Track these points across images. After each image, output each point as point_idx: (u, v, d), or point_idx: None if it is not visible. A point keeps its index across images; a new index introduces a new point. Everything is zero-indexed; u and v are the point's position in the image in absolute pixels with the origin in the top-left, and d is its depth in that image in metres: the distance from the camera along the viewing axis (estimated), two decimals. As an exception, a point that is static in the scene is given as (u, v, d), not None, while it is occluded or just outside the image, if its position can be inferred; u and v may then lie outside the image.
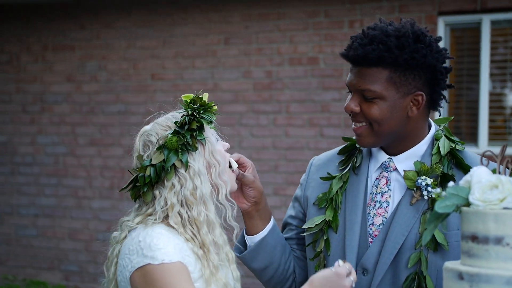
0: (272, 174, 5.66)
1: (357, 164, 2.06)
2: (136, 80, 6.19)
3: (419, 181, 1.92)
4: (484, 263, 1.40)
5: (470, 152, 2.03)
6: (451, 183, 1.49)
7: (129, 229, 1.85)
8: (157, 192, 1.85)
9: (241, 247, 2.11)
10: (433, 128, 2.04)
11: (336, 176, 2.07)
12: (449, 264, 1.46)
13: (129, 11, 6.23)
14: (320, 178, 2.11)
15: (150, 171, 1.83)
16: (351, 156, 2.10)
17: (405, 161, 1.99)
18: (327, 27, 5.67)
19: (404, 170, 1.98)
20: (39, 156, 6.47)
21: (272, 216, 2.13)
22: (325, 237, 2.03)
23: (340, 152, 2.14)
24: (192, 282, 1.78)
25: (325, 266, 2.03)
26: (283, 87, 5.74)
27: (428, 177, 1.92)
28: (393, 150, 2.02)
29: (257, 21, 5.85)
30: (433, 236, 1.89)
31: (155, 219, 1.82)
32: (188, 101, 1.95)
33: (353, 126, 1.99)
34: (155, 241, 1.78)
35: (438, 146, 1.97)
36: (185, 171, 1.84)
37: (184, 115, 1.91)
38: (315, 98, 5.65)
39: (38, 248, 6.43)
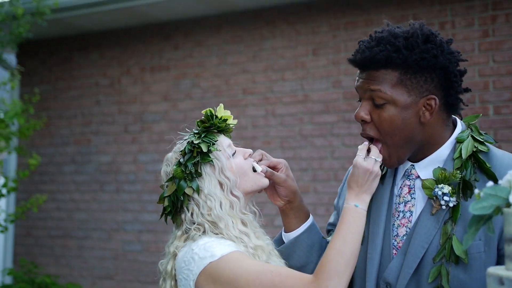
0: (366, 184, 5.56)
1: (383, 172, 1.99)
2: (228, 96, 6.30)
3: (436, 190, 1.82)
4: (526, 267, 1.31)
5: (501, 152, 1.88)
6: (489, 183, 1.40)
7: (176, 250, 1.92)
8: (183, 216, 1.94)
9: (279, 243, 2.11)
10: (459, 128, 1.93)
11: None
12: (491, 269, 1.38)
13: (219, 28, 6.38)
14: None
15: (167, 202, 1.94)
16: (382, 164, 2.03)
17: (427, 167, 1.90)
18: (416, 31, 5.52)
19: (421, 179, 1.88)
20: (141, 174, 6.72)
21: (310, 216, 2.11)
22: None
23: None
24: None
25: (352, 279, 1.97)
26: (374, 95, 5.64)
27: (448, 184, 1.81)
28: (415, 156, 1.93)
29: (345, 29, 5.80)
30: (451, 248, 1.78)
31: (198, 234, 1.89)
32: (197, 122, 2.06)
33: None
34: (208, 244, 1.84)
35: (461, 149, 1.85)
36: (198, 195, 1.91)
37: (187, 142, 1.98)
38: (407, 104, 5.50)
39: (142, 262, 6.66)
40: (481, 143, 1.87)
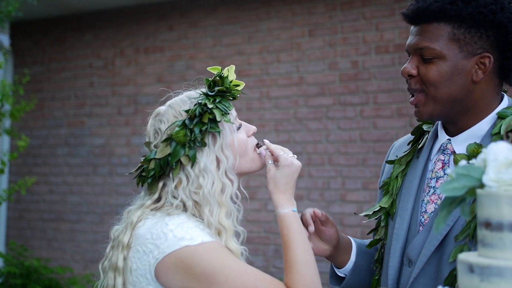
0: (360, 168, 5.44)
1: (419, 146, 1.89)
2: (222, 78, 6.17)
3: None
4: (499, 253, 1.19)
5: None
6: (462, 162, 1.28)
7: (142, 217, 1.69)
8: (161, 184, 1.71)
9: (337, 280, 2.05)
10: (504, 103, 1.79)
11: (396, 159, 1.94)
12: (462, 256, 1.26)
13: (214, 9, 6.24)
14: (386, 162, 2.00)
15: (154, 165, 1.69)
16: (420, 137, 1.94)
17: (464, 142, 1.77)
18: (415, 12, 5.37)
19: (454, 154, 1.77)
20: (134, 157, 6.61)
21: (351, 240, 2.03)
22: (382, 224, 1.92)
23: (413, 133, 1.98)
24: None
25: (382, 255, 1.91)
26: (370, 77, 5.51)
27: None
28: (454, 128, 1.81)
29: (341, 10, 5.66)
30: (476, 227, 1.66)
31: (175, 209, 1.67)
32: (209, 82, 1.76)
33: (410, 98, 1.81)
34: (187, 224, 1.61)
35: (501, 125, 1.72)
36: (192, 167, 1.68)
37: (197, 103, 1.72)
38: (404, 87, 5.35)
39: (135, 246, 6.58)
40: None
